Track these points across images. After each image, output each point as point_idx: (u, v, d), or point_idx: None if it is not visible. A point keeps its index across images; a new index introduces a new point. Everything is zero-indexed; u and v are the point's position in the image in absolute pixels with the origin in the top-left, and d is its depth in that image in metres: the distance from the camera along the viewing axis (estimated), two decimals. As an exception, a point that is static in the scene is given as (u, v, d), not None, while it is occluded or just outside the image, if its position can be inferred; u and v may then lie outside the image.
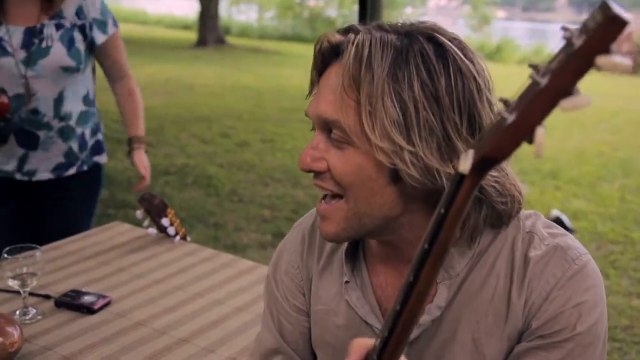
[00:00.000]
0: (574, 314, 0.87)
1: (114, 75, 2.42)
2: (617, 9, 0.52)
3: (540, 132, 0.58)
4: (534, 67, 0.58)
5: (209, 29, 17.43)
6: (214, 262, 2.00)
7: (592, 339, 0.88)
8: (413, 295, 0.69)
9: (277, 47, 18.15)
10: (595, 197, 5.59)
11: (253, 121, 8.29)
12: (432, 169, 0.83)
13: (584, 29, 0.53)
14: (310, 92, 0.94)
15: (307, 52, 17.37)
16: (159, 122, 7.85)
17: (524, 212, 0.94)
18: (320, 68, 0.92)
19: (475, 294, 0.92)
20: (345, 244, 1.03)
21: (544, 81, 0.56)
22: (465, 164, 0.63)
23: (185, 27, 22.92)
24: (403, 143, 0.82)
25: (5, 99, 2.13)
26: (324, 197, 0.93)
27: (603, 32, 0.52)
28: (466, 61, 0.85)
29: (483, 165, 0.63)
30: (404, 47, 0.84)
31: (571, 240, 0.93)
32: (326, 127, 0.89)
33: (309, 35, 21.12)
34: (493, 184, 0.86)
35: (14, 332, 1.40)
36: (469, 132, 0.84)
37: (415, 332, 0.94)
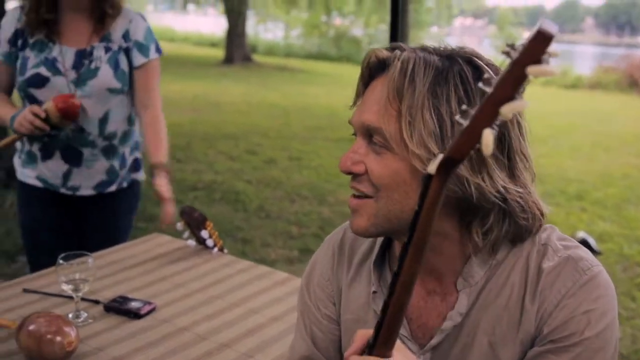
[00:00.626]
0: (582, 320, 0.93)
1: (143, 101, 2.40)
2: (546, 26, 0.62)
3: (486, 133, 0.68)
4: (486, 80, 0.69)
5: (236, 47, 17.73)
6: (250, 273, 2.11)
7: (602, 345, 0.94)
8: (398, 286, 0.78)
9: (303, 65, 18.37)
10: (621, 219, 5.61)
11: (279, 139, 8.44)
12: (463, 178, 0.90)
13: (522, 44, 0.65)
14: (354, 103, 1.02)
15: (332, 70, 17.56)
16: (186, 139, 8.03)
17: None
18: (367, 80, 1.00)
19: (492, 301, 0.99)
20: (374, 255, 1.11)
21: (489, 90, 0.67)
22: (432, 165, 0.74)
23: (212, 44, 23.27)
24: (437, 152, 0.90)
25: (77, 101, 2.20)
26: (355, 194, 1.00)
27: (533, 45, 0.63)
28: None
29: (447, 165, 0.73)
30: (445, 68, 0.93)
31: (583, 252, 0.99)
32: (368, 133, 0.97)
33: (335, 54, 21.32)
34: (517, 198, 0.93)
35: (71, 333, 1.52)
36: (498, 149, 0.92)
37: (438, 338, 1.02)
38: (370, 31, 22.79)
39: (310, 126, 9.34)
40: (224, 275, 2.08)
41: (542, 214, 0.98)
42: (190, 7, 22.68)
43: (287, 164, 7.12)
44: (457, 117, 0.71)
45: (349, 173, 0.99)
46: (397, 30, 2.98)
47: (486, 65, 0.95)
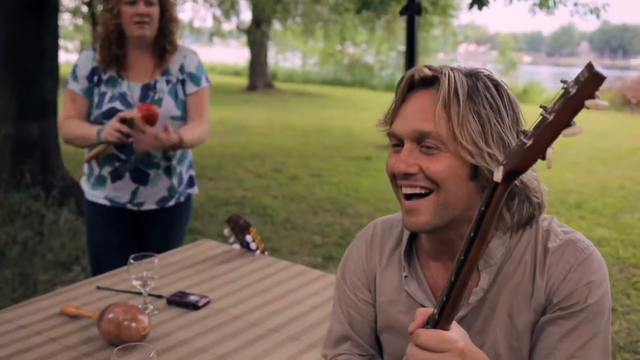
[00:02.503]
0: (584, 291, 1.07)
1: (193, 119, 2.51)
2: (599, 68, 0.75)
3: (549, 151, 0.81)
4: (543, 107, 0.81)
5: (259, 75, 18.03)
6: (289, 271, 2.25)
7: (599, 309, 1.08)
8: (464, 269, 0.92)
9: (320, 90, 18.58)
10: (617, 226, 5.68)
11: (301, 157, 8.59)
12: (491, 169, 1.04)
13: (577, 81, 0.77)
14: (394, 114, 1.14)
15: (347, 95, 17.73)
16: (217, 160, 8.20)
17: (541, 216, 1.15)
18: (405, 93, 1.13)
19: (509, 279, 1.13)
20: (403, 246, 1.23)
21: (550, 117, 0.79)
22: (498, 175, 0.87)
23: (236, 73, 23.58)
24: (484, 146, 1.05)
25: (157, 108, 2.34)
26: (410, 196, 1.11)
27: (589, 83, 0.75)
28: (510, 94, 1.11)
29: (511, 175, 0.87)
30: (474, 82, 1.09)
31: (579, 235, 1.13)
32: (418, 139, 1.09)
33: (349, 79, 21.51)
34: (532, 179, 1.09)
35: (145, 319, 1.66)
36: (515, 140, 1.06)
37: (464, 310, 1.15)
38: (382, 58, 23.00)
39: (328, 146, 9.50)
40: (267, 273, 2.22)
41: (543, 199, 1.12)
42: (215, 39, 22.99)
43: (309, 180, 7.26)
44: (522, 138, 0.83)
45: (405, 174, 1.10)
46: (413, 56, 3.15)
47: (500, 81, 1.11)
